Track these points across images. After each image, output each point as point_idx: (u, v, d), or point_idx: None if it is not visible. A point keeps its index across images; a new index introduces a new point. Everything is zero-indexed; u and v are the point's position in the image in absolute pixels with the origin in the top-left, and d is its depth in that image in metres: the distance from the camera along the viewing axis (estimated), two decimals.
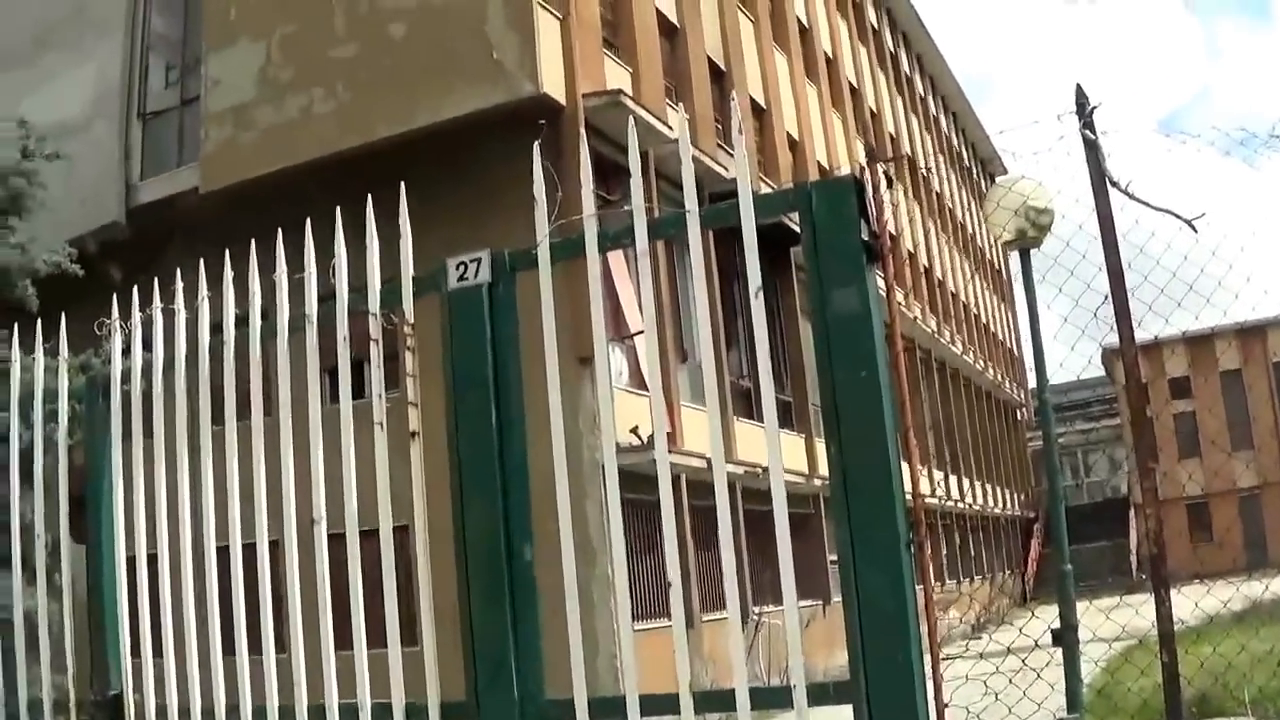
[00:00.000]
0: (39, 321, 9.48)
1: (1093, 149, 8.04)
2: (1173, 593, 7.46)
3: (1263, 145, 8.99)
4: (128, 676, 8.83)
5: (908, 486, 6.46)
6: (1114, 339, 8.33)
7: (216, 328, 8.42)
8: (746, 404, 35.49)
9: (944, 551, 53.92)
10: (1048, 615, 13.28)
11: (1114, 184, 7.93)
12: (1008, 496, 76.40)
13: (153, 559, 8.64)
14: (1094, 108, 8.34)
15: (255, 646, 7.90)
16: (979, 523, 67.12)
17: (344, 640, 7.45)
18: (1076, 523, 18.11)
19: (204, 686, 8.20)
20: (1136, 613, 8.39)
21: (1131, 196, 7.94)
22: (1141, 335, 8.28)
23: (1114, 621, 9.24)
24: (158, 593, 8.59)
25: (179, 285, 8.69)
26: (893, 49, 70.47)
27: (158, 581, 8.58)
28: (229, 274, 8.30)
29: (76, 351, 9.62)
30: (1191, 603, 9.69)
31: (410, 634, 7.26)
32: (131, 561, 8.83)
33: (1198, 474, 68.86)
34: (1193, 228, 7.77)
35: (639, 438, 23.30)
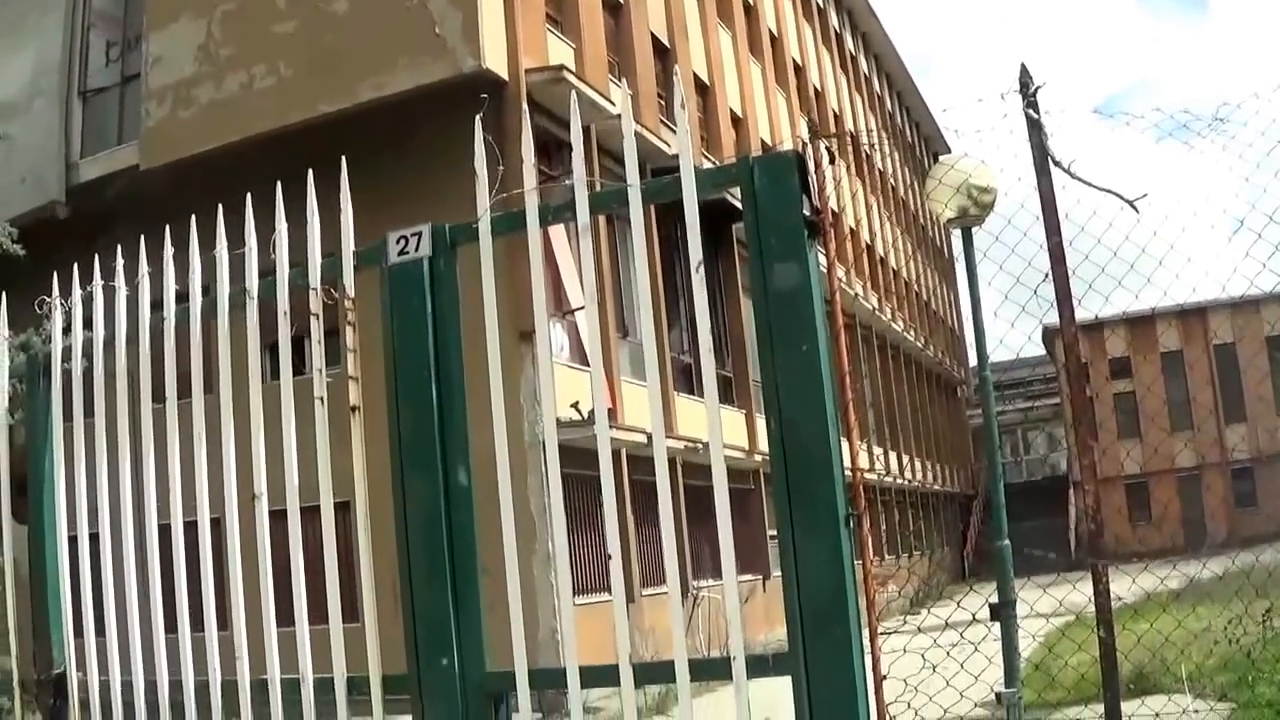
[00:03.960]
0: None
1: (1036, 128, 8.09)
2: (1111, 570, 7.51)
3: (1206, 128, 9.05)
4: (71, 655, 8.81)
5: (847, 462, 6.50)
6: (1055, 317, 8.38)
7: (157, 305, 8.39)
8: (687, 379, 35.58)
9: (883, 527, 54.10)
10: (986, 591, 13.36)
11: (1056, 163, 7.97)
12: (947, 473, 76.70)
13: (94, 538, 8.62)
14: (1038, 88, 8.37)
15: (197, 623, 7.89)
16: (918, 499, 67.34)
17: (286, 616, 7.46)
18: (1015, 500, 18.19)
19: (146, 663, 8.20)
20: (1074, 588, 8.45)
21: (1074, 176, 7.98)
22: (1082, 314, 8.34)
23: (1052, 596, 9.30)
24: (99, 571, 8.57)
25: (119, 263, 8.66)
26: (838, 27, 70.51)
27: (99, 560, 8.57)
28: (169, 251, 8.28)
29: (17, 331, 9.59)
30: (1130, 579, 9.76)
31: (352, 609, 7.26)
32: (73, 541, 8.81)
33: (1137, 453, 69.12)
34: (1134, 208, 7.81)
35: (579, 413, 23.30)
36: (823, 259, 6.65)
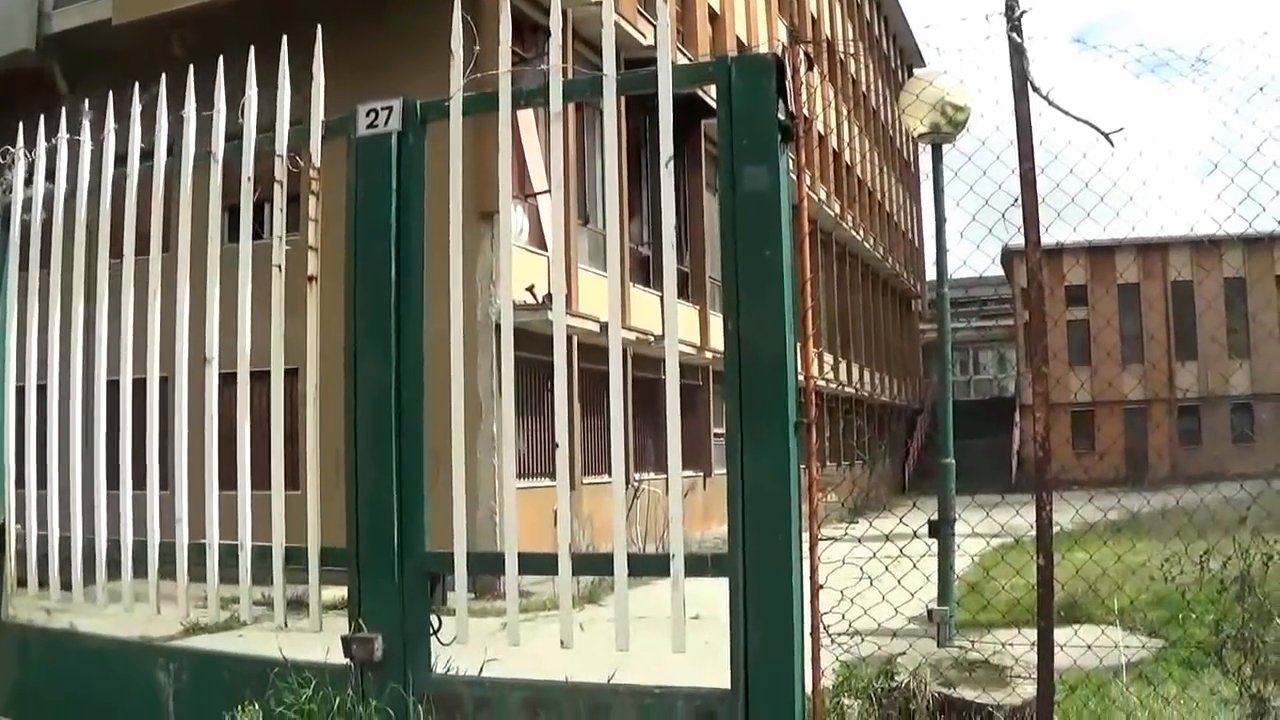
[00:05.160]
0: None
1: (1018, 52, 8.03)
2: (1054, 497, 7.55)
3: (1189, 68, 9.00)
4: (11, 507, 8.79)
5: (801, 368, 6.51)
6: (1017, 240, 8.37)
7: (121, 160, 8.34)
8: (644, 271, 35.42)
9: (827, 434, 54.19)
10: (928, 507, 13.43)
11: (1036, 89, 7.93)
12: (895, 385, 76.86)
13: (42, 390, 8.59)
14: (1023, 12, 8.33)
15: (140, 482, 7.88)
16: (864, 408, 67.49)
17: (228, 480, 7.45)
18: (962, 419, 18.23)
19: (86, 519, 8.18)
20: (1018, 513, 8.49)
21: (1052, 104, 7.93)
22: (1046, 240, 8.32)
23: (994, 519, 9.36)
24: (45, 423, 8.55)
25: (86, 117, 8.59)
26: None
27: (46, 412, 8.54)
28: (136, 108, 8.21)
29: None
30: (1072, 509, 9.81)
31: (294, 478, 7.26)
32: (20, 392, 8.78)
33: (1088, 383, 69.21)
34: (1110, 141, 7.78)
35: (534, 296, 23.26)
36: (793, 164, 6.63)
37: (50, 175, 8.75)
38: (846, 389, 61.43)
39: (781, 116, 6.34)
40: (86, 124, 8.54)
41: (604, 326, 6.65)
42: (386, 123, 7.16)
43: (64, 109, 8.75)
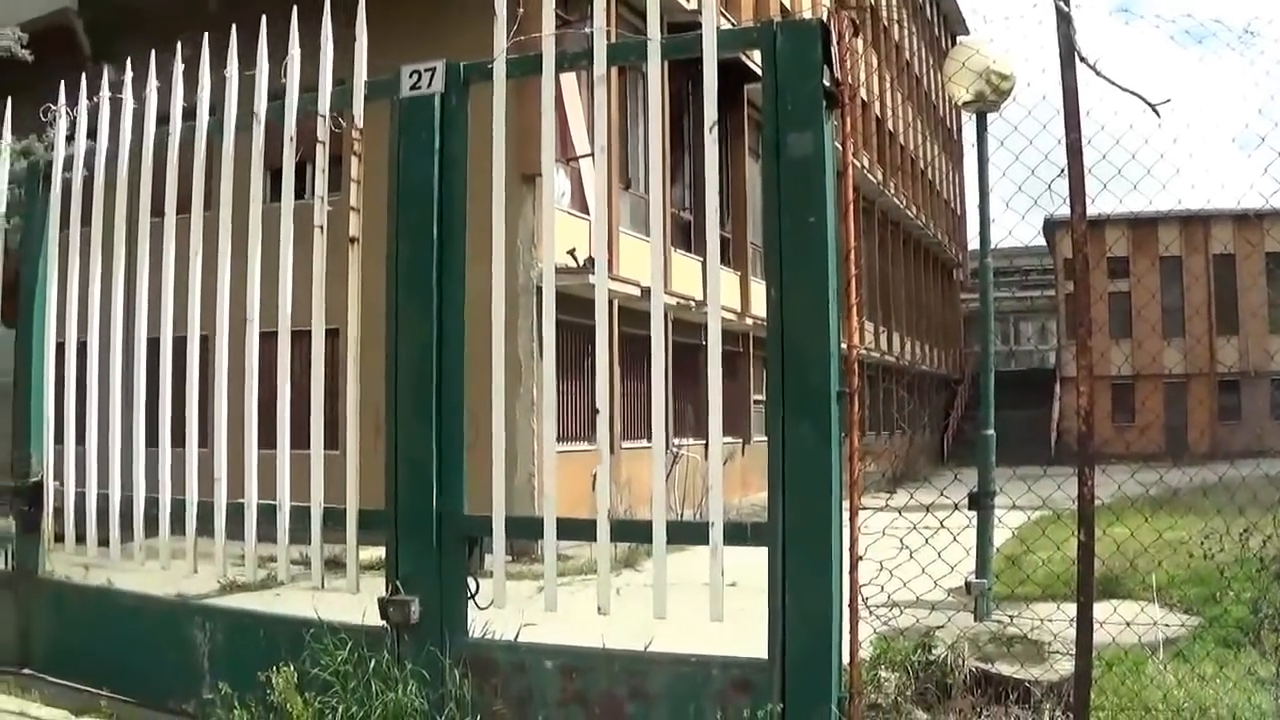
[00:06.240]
0: None
1: (1065, 21, 7.95)
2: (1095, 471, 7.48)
3: (1237, 40, 8.90)
4: (49, 463, 8.81)
5: (844, 336, 6.46)
6: (1062, 211, 8.30)
7: (163, 119, 8.34)
8: (685, 235, 35.30)
9: (866, 402, 54.04)
10: (968, 478, 13.35)
11: (1082, 59, 7.85)
12: (935, 354, 76.58)
13: (82, 346, 8.60)
14: None
15: (179, 440, 7.89)
16: (904, 378, 67.23)
17: (267, 439, 7.45)
18: (1002, 390, 18.10)
19: (124, 476, 8.20)
20: (1059, 487, 8.43)
21: (1099, 73, 7.86)
22: (1089, 211, 8.23)
23: (1035, 493, 9.29)
24: (84, 380, 8.55)
25: (128, 75, 8.58)
26: None
27: (85, 369, 8.55)
28: (179, 67, 8.20)
29: (21, 136, 9.54)
30: (1114, 484, 9.73)
31: (334, 438, 7.25)
32: (60, 348, 8.79)
33: (1130, 356, 68.72)
34: (1156, 113, 7.71)
35: (575, 260, 23.21)
36: (837, 131, 6.58)
37: (92, 133, 8.76)
38: (888, 358, 61.20)
39: (826, 83, 6.29)
40: (128, 82, 8.54)
41: (645, 291, 6.62)
42: (429, 84, 7.13)
43: (105, 67, 8.73)
